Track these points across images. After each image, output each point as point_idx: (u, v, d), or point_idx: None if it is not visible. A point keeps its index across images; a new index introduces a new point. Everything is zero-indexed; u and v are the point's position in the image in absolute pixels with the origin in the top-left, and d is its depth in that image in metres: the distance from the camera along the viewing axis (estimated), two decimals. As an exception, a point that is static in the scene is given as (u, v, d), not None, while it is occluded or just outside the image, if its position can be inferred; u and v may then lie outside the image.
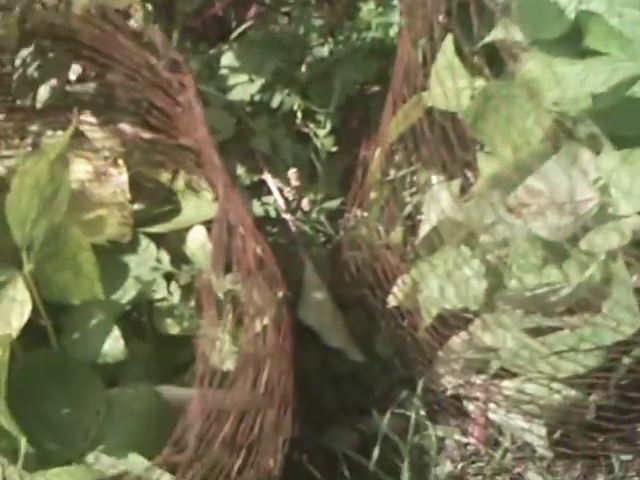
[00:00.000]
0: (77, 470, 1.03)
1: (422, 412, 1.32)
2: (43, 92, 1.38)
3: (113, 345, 1.15)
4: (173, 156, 1.32)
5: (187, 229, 1.26)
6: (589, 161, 1.11)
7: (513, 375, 1.22)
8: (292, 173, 1.38)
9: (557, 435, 1.26)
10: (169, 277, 1.21)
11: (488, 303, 1.21)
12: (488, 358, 1.24)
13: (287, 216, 1.39)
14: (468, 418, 1.33)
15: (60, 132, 1.33)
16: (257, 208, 1.42)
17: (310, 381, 1.33)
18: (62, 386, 1.12)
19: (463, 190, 1.30)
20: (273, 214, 1.41)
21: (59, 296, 1.16)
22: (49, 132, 1.35)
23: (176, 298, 1.20)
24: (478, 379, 1.26)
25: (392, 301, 1.32)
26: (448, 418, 1.34)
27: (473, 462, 1.32)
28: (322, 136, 1.39)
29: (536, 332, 1.20)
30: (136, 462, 1.08)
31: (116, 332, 1.16)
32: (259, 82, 1.40)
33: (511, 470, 1.30)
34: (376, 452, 1.27)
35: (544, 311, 1.19)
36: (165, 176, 1.33)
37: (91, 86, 1.40)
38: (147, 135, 1.32)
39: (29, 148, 1.36)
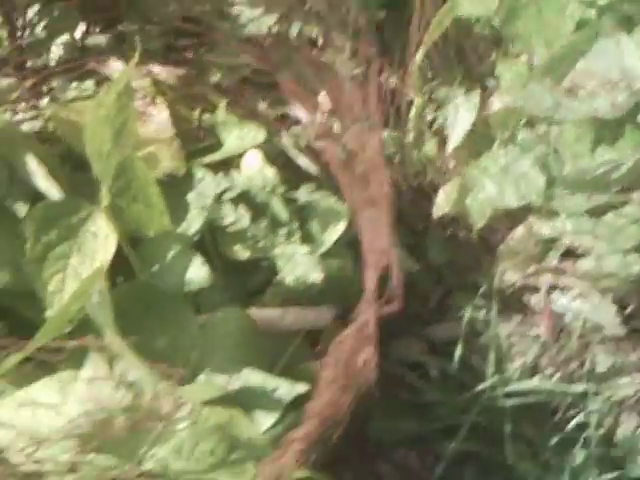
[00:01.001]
0: (202, 386, 1.01)
1: (486, 313, 1.34)
2: (56, 49, 1.36)
3: (197, 272, 1.14)
4: (204, 93, 1.31)
5: (239, 156, 1.25)
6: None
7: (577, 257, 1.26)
8: (322, 97, 1.37)
9: (628, 309, 1.30)
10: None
11: (546, 194, 1.25)
12: (548, 248, 1.28)
13: (321, 142, 1.39)
14: (532, 311, 1.35)
15: (89, 82, 1.31)
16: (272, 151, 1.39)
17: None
18: (156, 317, 1.11)
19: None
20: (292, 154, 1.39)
21: (134, 229, 1.14)
22: (73, 84, 1.32)
23: (246, 221, 1.19)
24: (541, 268, 1.30)
25: (438, 211, 1.35)
26: (512, 315, 1.36)
27: (543, 354, 1.34)
28: (341, 62, 1.39)
29: (595, 213, 1.25)
30: (251, 376, 1.07)
31: (198, 259, 1.15)
32: (275, 14, 1.40)
33: (581, 354, 1.33)
34: (457, 354, 1.29)
35: (602, 191, 1.23)
36: (196, 114, 1.32)
37: (103, 37, 1.39)
38: (179, 72, 1.30)
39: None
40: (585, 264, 1.26)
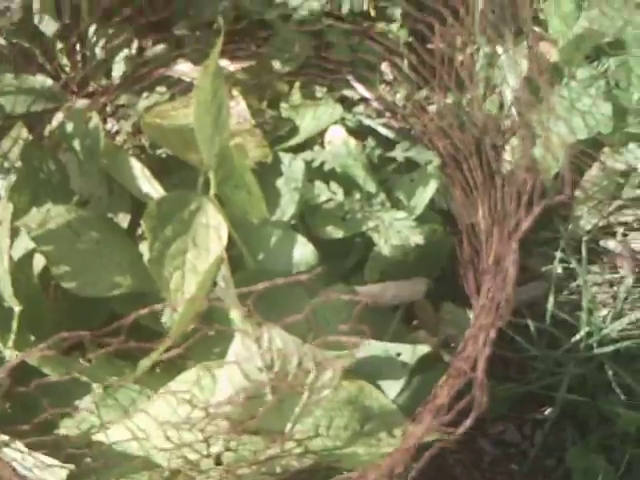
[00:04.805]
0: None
1: (565, 267, 1.36)
2: (117, 66, 1.40)
3: (303, 252, 1.18)
4: (271, 82, 1.35)
5: (320, 135, 1.29)
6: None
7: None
8: (385, 67, 1.41)
9: None
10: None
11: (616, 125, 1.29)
12: (622, 186, 1.32)
13: (388, 115, 1.42)
14: (613, 255, 1.38)
15: (160, 88, 1.34)
16: (350, 123, 1.40)
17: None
18: (270, 302, 1.13)
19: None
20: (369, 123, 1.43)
21: (239, 216, 1.17)
22: (144, 95, 1.36)
23: (340, 196, 1.22)
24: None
25: (504, 168, 1.38)
26: (592, 263, 1.37)
27: (627, 298, 1.36)
28: (396, 30, 1.43)
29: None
30: (372, 345, 1.11)
31: (302, 239, 1.18)
32: (323, -6, 1.42)
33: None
34: (549, 308, 1.30)
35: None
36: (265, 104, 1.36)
37: (159, 47, 1.42)
38: (246, 64, 1.34)
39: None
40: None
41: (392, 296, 1.23)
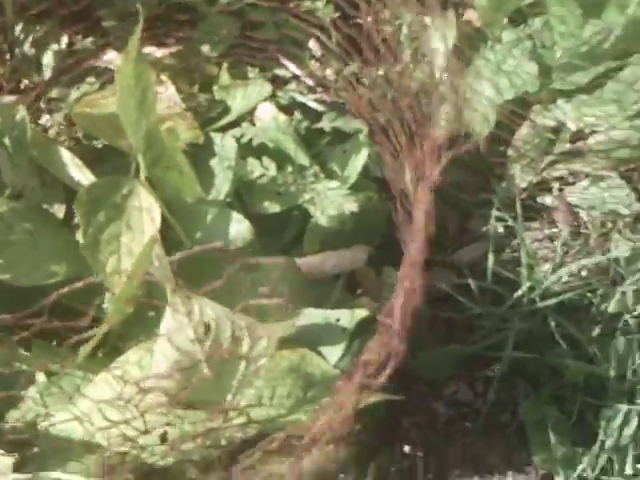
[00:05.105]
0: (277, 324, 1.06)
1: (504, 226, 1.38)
2: (47, 60, 1.40)
3: (239, 228, 1.19)
4: (200, 65, 1.36)
5: (250, 114, 1.30)
6: None
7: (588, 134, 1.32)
8: (313, 43, 1.42)
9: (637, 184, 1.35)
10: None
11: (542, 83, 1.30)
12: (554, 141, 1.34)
13: (320, 90, 1.43)
14: (550, 211, 1.40)
15: (89, 79, 1.35)
16: (283, 100, 1.41)
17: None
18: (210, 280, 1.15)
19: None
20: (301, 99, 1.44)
21: (173, 196, 1.18)
22: (74, 87, 1.37)
23: (273, 170, 1.23)
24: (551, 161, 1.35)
25: (440, 133, 1.40)
26: (531, 220, 1.40)
27: (567, 252, 1.38)
28: (322, 7, 1.44)
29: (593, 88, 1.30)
30: (312, 313, 1.13)
31: (237, 216, 1.19)
32: (246, -24, 1.44)
33: (603, 245, 1.37)
34: (490, 266, 1.32)
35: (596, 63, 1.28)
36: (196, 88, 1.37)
37: (88, 41, 1.43)
38: (173, 49, 1.35)
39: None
40: (597, 138, 1.30)
41: (333, 266, 1.24)
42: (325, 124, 1.29)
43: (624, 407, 1.26)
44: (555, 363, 1.31)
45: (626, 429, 1.26)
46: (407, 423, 1.32)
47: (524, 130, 1.34)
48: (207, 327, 0.96)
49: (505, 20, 1.34)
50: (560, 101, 1.31)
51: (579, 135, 1.33)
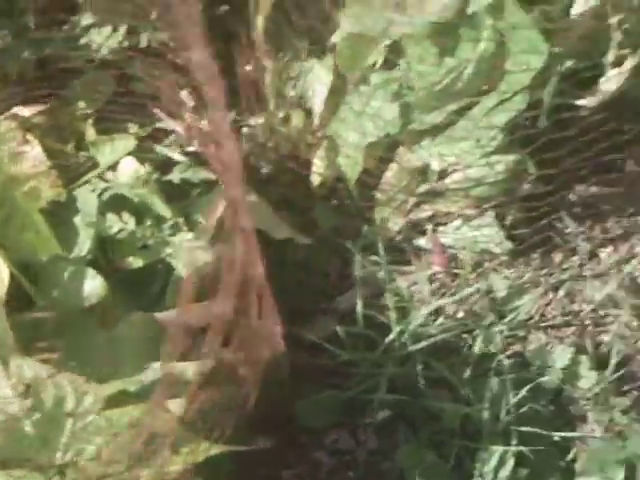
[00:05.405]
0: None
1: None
2: None
3: (92, 284, 1.19)
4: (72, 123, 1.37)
5: (114, 167, 1.31)
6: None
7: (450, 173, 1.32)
8: (185, 95, 1.42)
9: (507, 221, 1.36)
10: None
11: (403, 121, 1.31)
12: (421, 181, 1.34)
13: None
14: (425, 253, 1.40)
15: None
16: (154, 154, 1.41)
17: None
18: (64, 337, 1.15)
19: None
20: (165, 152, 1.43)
21: (27, 255, 1.19)
22: None
23: (131, 224, 1.24)
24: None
25: (315, 180, 1.41)
26: (407, 264, 1.40)
27: (444, 294, 1.38)
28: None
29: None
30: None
31: (91, 272, 1.19)
32: (122, 28, 1.45)
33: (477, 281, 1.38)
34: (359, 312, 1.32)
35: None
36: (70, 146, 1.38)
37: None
38: (40, 107, 1.36)
39: None
40: (454, 177, 1.31)
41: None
42: (175, 176, 1.29)
43: (499, 449, 1.25)
44: (433, 407, 1.30)
45: (502, 471, 1.25)
46: (288, 475, 1.31)
47: (389, 173, 1.34)
48: (27, 386, 0.95)
49: (367, 64, 1.33)
50: (425, 141, 1.32)
51: (443, 174, 1.33)
